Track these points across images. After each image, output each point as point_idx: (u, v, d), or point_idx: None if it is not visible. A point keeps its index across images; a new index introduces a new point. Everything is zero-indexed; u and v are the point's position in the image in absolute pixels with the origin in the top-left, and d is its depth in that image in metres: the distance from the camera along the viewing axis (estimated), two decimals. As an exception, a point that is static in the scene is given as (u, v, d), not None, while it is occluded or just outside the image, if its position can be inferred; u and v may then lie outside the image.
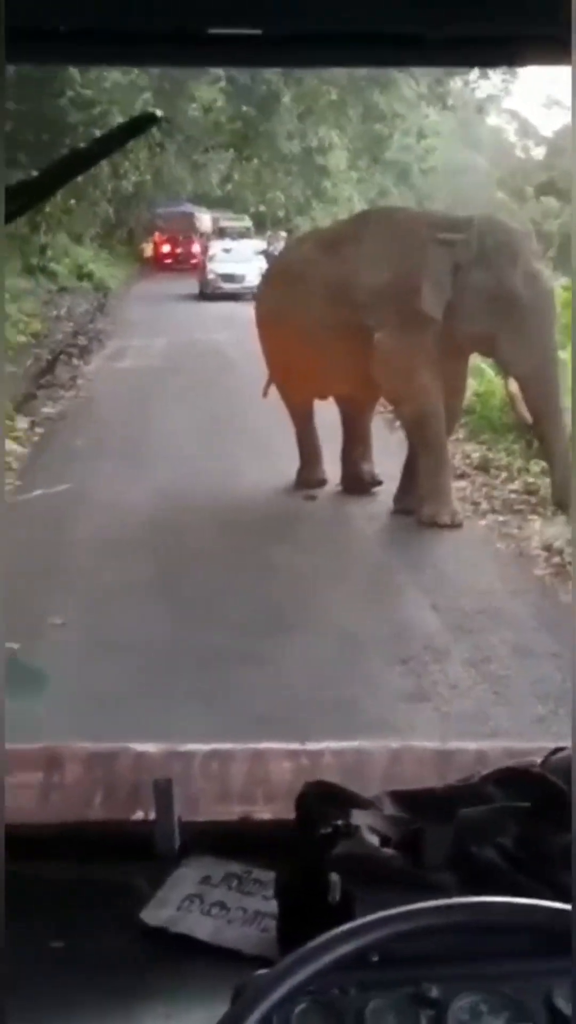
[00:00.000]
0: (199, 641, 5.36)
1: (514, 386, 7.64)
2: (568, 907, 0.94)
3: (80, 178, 11.84)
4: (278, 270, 8.95)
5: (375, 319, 7.40)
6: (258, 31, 0.90)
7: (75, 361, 13.57)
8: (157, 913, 1.20)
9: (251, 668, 5.09)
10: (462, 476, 8.80)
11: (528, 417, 7.57)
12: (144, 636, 5.36)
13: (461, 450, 9.56)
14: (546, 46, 0.94)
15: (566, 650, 5.49)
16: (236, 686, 4.90)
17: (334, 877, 1.01)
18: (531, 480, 8.41)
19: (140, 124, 1.10)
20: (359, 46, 0.92)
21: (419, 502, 7.51)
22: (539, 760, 1.17)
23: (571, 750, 1.15)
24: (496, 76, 17.48)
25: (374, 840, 1.06)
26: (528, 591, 6.37)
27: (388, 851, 1.05)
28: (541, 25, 0.91)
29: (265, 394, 8.51)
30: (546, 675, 5.23)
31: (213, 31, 0.90)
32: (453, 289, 7.29)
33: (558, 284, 13.53)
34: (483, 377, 10.72)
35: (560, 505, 7.41)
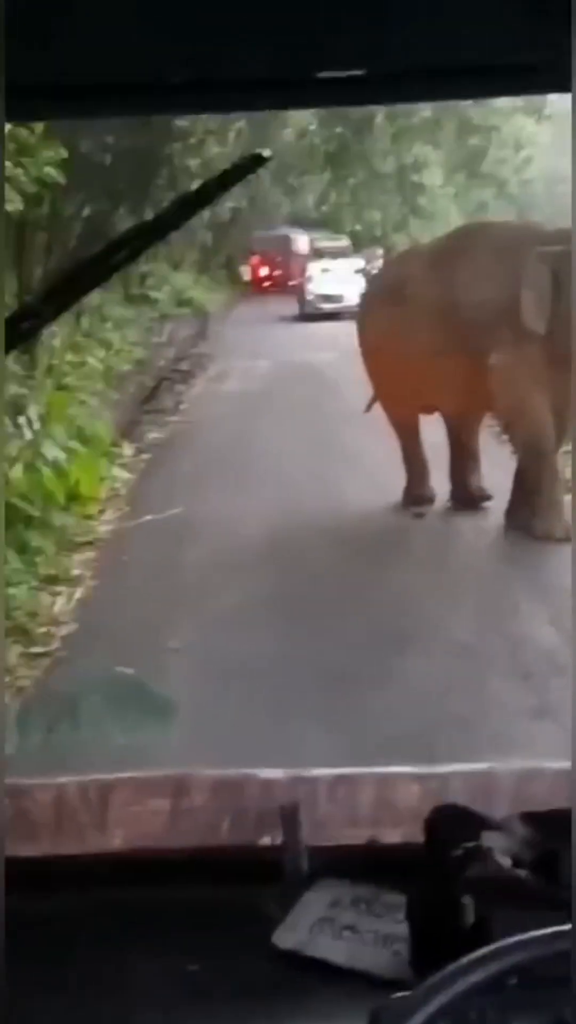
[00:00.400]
0: (319, 662, 5.35)
1: None
2: None
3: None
4: (380, 288, 8.95)
5: (487, 339, 7.34)
6: (360, 72, 0.91)
7: (178, 386, 13.74)
8: (288, 936, 1.20)
9: (372, 688, 5.07)
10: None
11: None
12: (262, 659, 5.38)
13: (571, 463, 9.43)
14: None
15: None
16: (358, 707, 4.90)
17: (467, 900, 1.01)
18: None
19: (249, 165, 1.12)
20: (464, 78, 0.92)
21: (532, 517, 7.42)
22: None
23: None
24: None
25: (507, 862, 1.05)
26: None
27: (521, 873, 1.04)
28: None
29: (368, 409, 8.52)
30: None
31: (321, 74, 0.91)
32: (554, 302, 7.20)
33: None
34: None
35: None
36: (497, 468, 8.41)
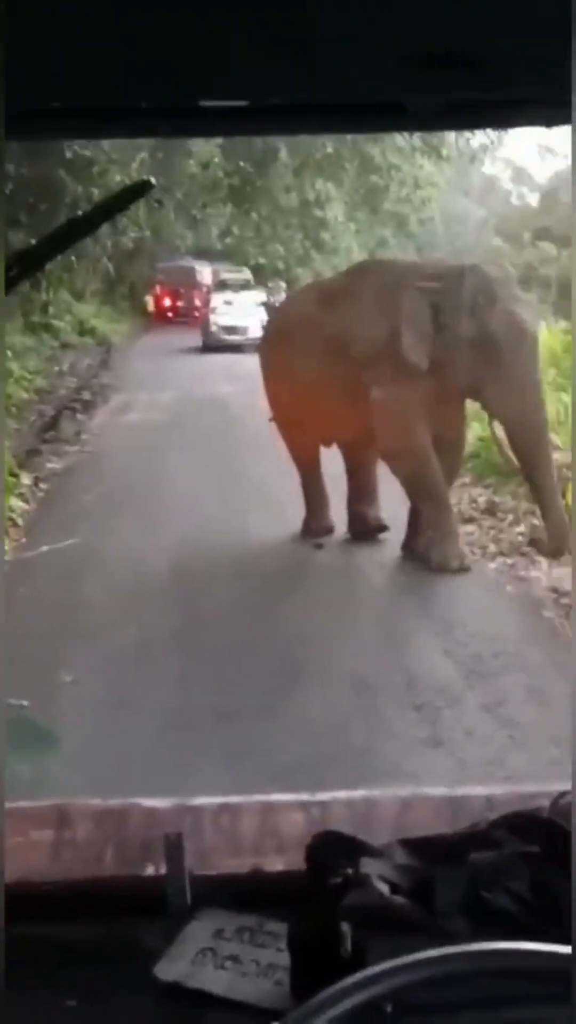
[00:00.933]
0: (215, 695, 5.34)
1: (500, 431, 7.67)
2: None
3: (81, 236, 11.99)
4: (279, 323, 9.04)
5: (370, 373, 7.44)
6: (245, 103, 0.92)
7: (80, 416, 13.64)
8: (171, 968, 1.19)
9: (266, 721, 5.07)
10: (470, 520, 8.81)
11: (515, 462, 7.59)
12: (157, 692, 5.35)
13: (468, 494, 9.58)
14: (531, 108, 0.96)
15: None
16: (250, 740, 4.89)
17: (345, 927, 1.01)
18: (537, 523, 8.41)
19: (135, 192, 1.12)
20: (344, 115, 0.94)
21: (427, 548, 7.52)
22: (547, 804, 1.18)
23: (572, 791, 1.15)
24: (489, 125, 17.68)
25: (385, 888, 1.06)
26: (539, 633, 6.36)
27: (399, 899, 1.05)
28: (525, 88, 0.93)
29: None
30: (560, 718, 5.21)
31: (204, 103, 0.92)
32: (436, 337, 7.33)
33: (558, 328, 13.68)
34: (485, 421, 10.78)
35: (555, 554, 7.40)
36: (398, 499, 8.51)
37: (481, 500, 9.33)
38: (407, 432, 7.47)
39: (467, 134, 17.81)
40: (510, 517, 8.76)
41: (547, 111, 0.96)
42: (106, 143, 11.63)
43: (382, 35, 0.85)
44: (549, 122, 1.03)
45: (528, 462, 7.47)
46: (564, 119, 1.00)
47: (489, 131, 17.74)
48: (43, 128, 1.04)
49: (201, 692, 5.38)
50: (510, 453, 7.59)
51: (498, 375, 7.19)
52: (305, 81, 0.88)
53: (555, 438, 8.83)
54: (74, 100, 0.86)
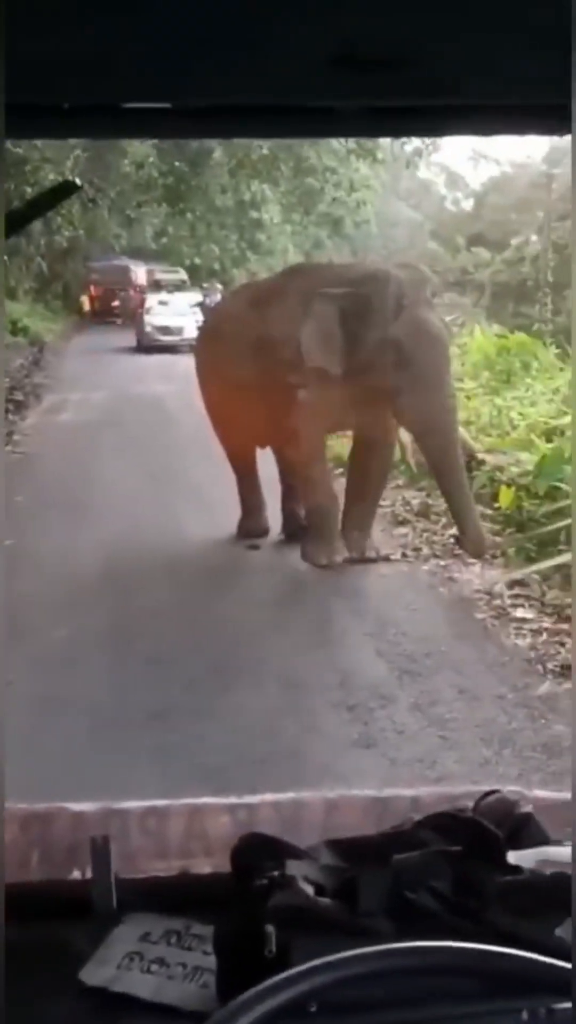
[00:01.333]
0: (147, 696, 5.31)
1: (405, 436, 7.72)
2: (502, 949, 0.95)
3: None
4: (213, 324, 9.04)
5: (292, 376, 7.44)
6: (169, 104, 0.92)
7: (11, 416, 13.50)
8: (97, 972, 1.19)
9: (198, 722, 5.06)
10: (403, 523, 8.88)
11: (414, 468, 7.68)
12: (89, 693, 5.31)
13: (402, 496, 9.64)
14: (460, 117, 0.97)
15: (509, 692, 5.54)
16: (181, 740, 4.88)
17: (270, 928, 1.01)
18: (470, 524, 8.50)
19: (61, 192, 1.12)
20: (272, 118, 0.94)
21: (304, 541, 7.69)
22: (472, 804, 1.19)
23: (502, 792, 1.16)
24: (424, 129, 17.77)
25: (309, 890, 1.06)
26: (471, 634, 6.42)
27: (323, 900, 1.06)
28: (454, 96, 0.94)
29: None
30: (491, 718, 5.27)
31: (127, 104, 0.92)
32: (348, 342, 7.33)
33: (491, 332, 13.82)
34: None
35: (477, 554, 7.47)
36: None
37: (415, 503, 9.39)
38: (305, 433, 7.49)
39: (402, 139, 17.95)
40: (443, 520, 8.83)
41: (476, 120, 0.97)
42: (40, 141, 11.55)
43: (310, 38, 0.86)
44: (477, 131, 1.04)
45: (437, 466, 7.52)
46: (492, 129, 1.01)
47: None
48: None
49: (134, 692, 5.36)
50: (411, 459, 7.66)
51: (406, 381, 7.20)
52: (232, 83, 0.88)
53: (472, 443, 8.97)
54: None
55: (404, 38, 0.87)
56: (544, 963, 0.92)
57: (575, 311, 6.71)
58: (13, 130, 0.87)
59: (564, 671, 5.73)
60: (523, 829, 1.16)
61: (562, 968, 0.91)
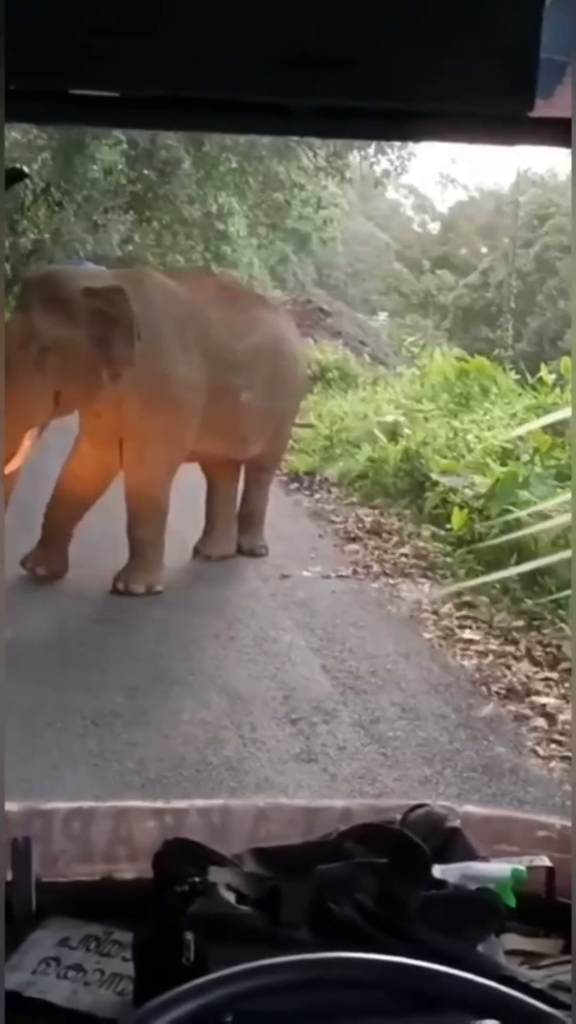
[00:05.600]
0: (85, 705, 5.27)
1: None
2: (421, 963, 0.93)
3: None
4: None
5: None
6: (117, 93, 0.91)
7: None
8: (11, 977, 1.16)
9: (138, 731, 5.03)
10: (355, 540, 8.89)
11: None
12: (26, 700, 5.25)
13: (355, 514, 9.67)
14: (411, 120, 0.97)
15: (452, 712, 5.54)
16: (118, 750, 4.85)
17: (188, 936, 1.00)
18: (421, 544, 8.53)
19: (8, 179, 1.10)
20: (220, 112, 0.93)
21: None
22: (399, 817, 1.18)
23: (431, 806, 1.15)
24: (393, 152, 17.90)
25: (231, 897, 1.05)
26: (418, 653, 6.43)
27: (244, 908, 1.04)
28: (404, 100, 0.93)
29: None
30: (433, 737, 5.27)
31: (74, 91, 0.90)
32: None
33: (451, 354, 13.89)
34: (376, 443, 10.91)
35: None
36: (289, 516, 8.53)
37: (368, 520, 9.42)
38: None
39: (371, 159, 18.05)
40: (395, 538, 8.86)
41: (427, 125, 0.96)
42: (5, 142, 11.50)
43: (261, 31, 0.85)
44: (428, 136, 1.04)
45: None
46: (443, 136, 1.00)
47: (392, 157, 18.03)
48: None
49: (77, 699, 5.31)
50: None
51: None
52: (181, 74, 0.87)
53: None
54: None
55: (358, 38, 0.86)
56: (468, 981, 0.91)
57: (575, 319, 6.71)
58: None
59: (508, 694, 5.75)
60: (450, 843, 1.15)
61: (486, 987, 0.90)
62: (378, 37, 0.88)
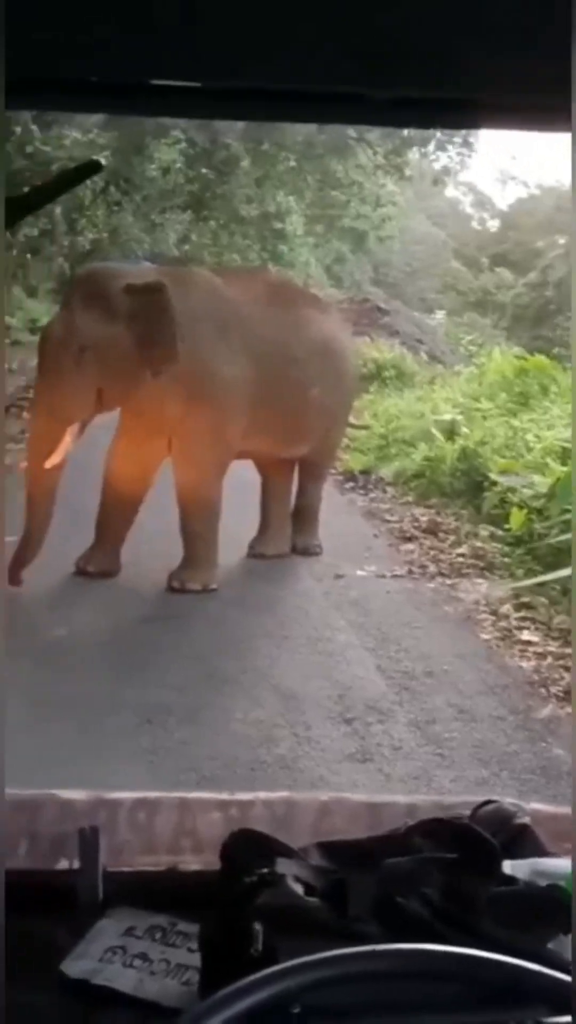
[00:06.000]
0: (142, 701, 5.29)
1: None
2: (494, 957, 0.93)
3: (36, 232, 11.91)
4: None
5: None
6: (198, 84, 0.91)
7: (26, 415, 13.47)
8: (78, 964, 1.17)
9: (193, 729, 5.06)
10: (410, 539, 8.85)
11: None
12: (84, 696, 5.29)
13: (410, 513, 9.62)
14: (485, 112, 0.96)
15: (509, 714, 5.50)
16: (173, 748, 4.87)
17: (257, 927, 1.00)
18: (479, 544, 8.47)
19: (83, 172, 1.10)
20: (300, 103, 0.93)
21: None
22: (467, 813, 1.17)
23: (500, 802, 1.14)
24: (453, 149, 17.84)
25: (298, 890, 1.04)
26: (474, 654, 6.39)
27: (312, 900, 1.04)
28: (484, 90, 0.92)
29: None
30: (489, 739, 5.24)
31: (154, 81, 0.91)
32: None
33: (510, 353, 13.78)
34: (433, 442, 10.86)
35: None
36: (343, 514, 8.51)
37: (424, 520, 9.37)
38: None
39: (431, 156, 17.99)
40: (451, 538, 8.81)
41: (500, 115, 0.96)
42: (67, 140, 11.60)
43: (337, 21, 0.85)
44: (499, 125, 1.03)
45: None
46: (516, 123, 1.00)
47: (452, 154, 17.95)
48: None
49: (131, 697, 5.34)
50: None
51: None
52: (260, 65, 0.87)
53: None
54: (19, 70, 0.84)
55: (432, 26, 0.86)
56: (539, 974, 0.90)
57: (575, 321, 6.60)
58: (36, 102, 0.86)
59: (567, 695, 5.70)
60: (519, 840, 1.14)
61: (556, 980, 0.89)
62: (450, 26, 0.88)
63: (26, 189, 1.01)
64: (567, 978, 0.86)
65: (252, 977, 0.88)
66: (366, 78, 0.89)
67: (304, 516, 8.17)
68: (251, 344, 7.21)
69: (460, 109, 0.97)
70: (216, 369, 7.04)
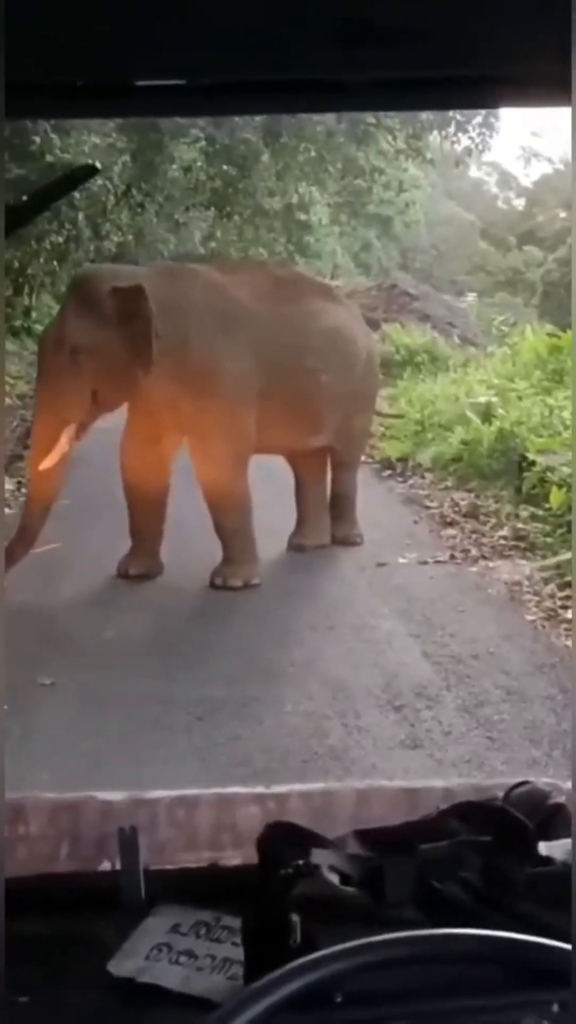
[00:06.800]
0: (190, 697, 5.32)
1: None
2: (533, 939, 0.93)
3: (62, 239, 11.97)
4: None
5: None
6: (181, 81, 0.92)
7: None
8: (124, 963, 1.18)
9: (242, 723, 5.07)
10: (451, 524, 8.82)
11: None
12: (132, 694, 5.32)
13: (451, 498, 9.59)
14: (467, 87, 0.96)
15: (559, 693, 5.47)
16: (225, 742, 4.89)
17: (295, 918, 1.00)
18: (520, 525, 8.43)
19: (78, 176, 1.11)
20: (282, 92, 0.93)
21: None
22: (501, 795, 1.17)
23: (534, 783, 1.14)
24: (473, 129, 17.69)
25: (335, 879, 1.05)
26: (520, 635, 6.36)
27: (349, 889, 1.04)
28: (467, 67, 0.92)
29: None
30: (540, 719, 5.21)
31: (139, 83, 0.91)
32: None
33: (542, 331, 13.68)
34: (469, 425, 10.81)
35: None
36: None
37: (463, 504, 9.34)
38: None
39: (452, 138, 17.86)
40: (492, 520, 8.77)
41: (490, 90, 0.95)
42: (86, 147, 11.64)
43: (315, 8, 0.85)
44: (490, 103, 1.02)
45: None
46: (506, 100, 0.99)
47: (473, 135, 17.81)
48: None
49: (181, 694, 5.36)
50: None
51: None
52: (241, 59, 0.87)
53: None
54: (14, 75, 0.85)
55: (411, 9, 0.85)
56: None
57: (575, 304, 6.49)
58: (23, 110, 0.86)
59: (616, 671, 5.66)
60: (554, 820, 1.13)
61: None
62: (428, 5, 0.87)
63: (24, 197, 1.02)
64: None
65: (292, 965, 0.88)
66: (343, 64, 0.89)
67: (339, 506, 8.16)
68: (253, 339, 7.24)
69: (476, 87, 0.96)
70: (220, 363, 7.09)
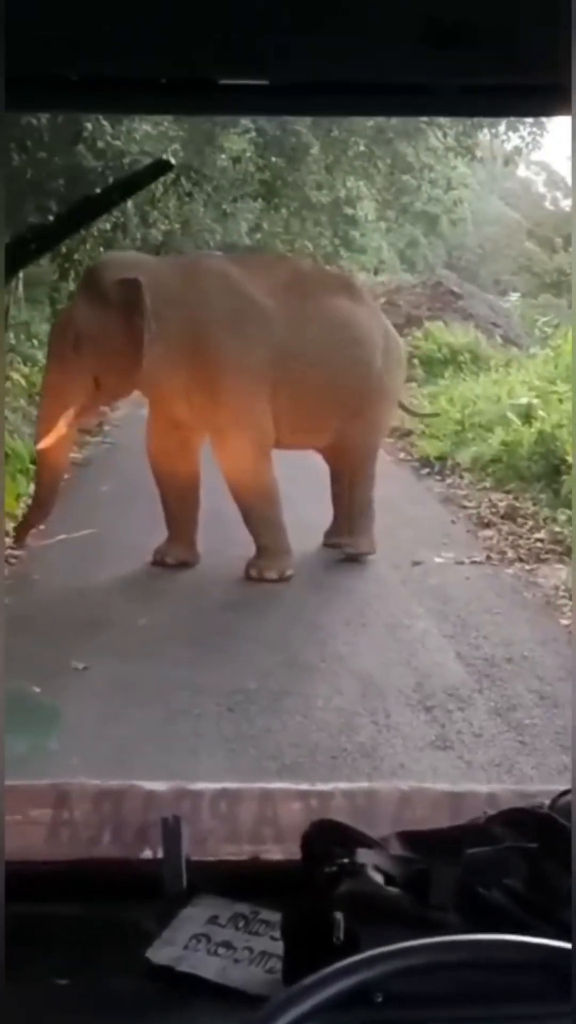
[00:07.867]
0: (219, 688, 5.34)
1: None
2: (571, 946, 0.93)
3: (108, 227, 11.99)
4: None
5: None
6: (265, 81, 0.92)
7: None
8: (163, 951, 1.19)
9: (273, 718, 5.08)
10: (488, 525, 8.79)
11: None
12: (162, 682, 5.35)
13: (488, 499, 9.55)
14: (557, 97, 0.95)
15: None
16: (254, 735, 4.90)
17: (338, 916, 1.00)
18: (558, 529, 8.38)
19: (155, 171, 1.12)
20: (365, 95, 0.93)
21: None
22: (547, 802, 1.17)
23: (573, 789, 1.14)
24: (524, 128, 17.56)
25: (379, 879, 1.05)
26: (555, 639, 6.33)
27: (393, 890, 1.04)
28: (545, 75, 0.92)
29: None
30: (571, 725, 5.18)
31: (223, 81, 0.91)
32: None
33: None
34: (510, 427, 10.76)
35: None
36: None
37: (501, 505, 9.30)
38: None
39: (501, 136, 17.75)
40: (530, 523, 8.73)
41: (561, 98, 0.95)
42: (138, 135, 11.63)
43: (404, 12, 0.85)
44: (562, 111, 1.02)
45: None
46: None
47: (524, 134, 17.68)
48: (50, 98, 1.03)
49: (212, 684, 5.38)
50: None
51: None
52: (324, 60, 0.87)
53: None
54: (86, 70, 0.85)
55: (497, 16, 0.85)
56: None
57: (575, 300, 6.41)
58: (112, 104, 0.87)
59: None
60: (601, 829, 1.13)
61: None
62: (514, 13, 0.87)
63: (98, 190, 1.03)
64: None
65: (336, 966, 0.89)
66: (430, 69, 0.89)
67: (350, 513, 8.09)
68: (264, 333, 7.23)
69: (531, 95, 0.96)
70: (232, 357, 7.11)
